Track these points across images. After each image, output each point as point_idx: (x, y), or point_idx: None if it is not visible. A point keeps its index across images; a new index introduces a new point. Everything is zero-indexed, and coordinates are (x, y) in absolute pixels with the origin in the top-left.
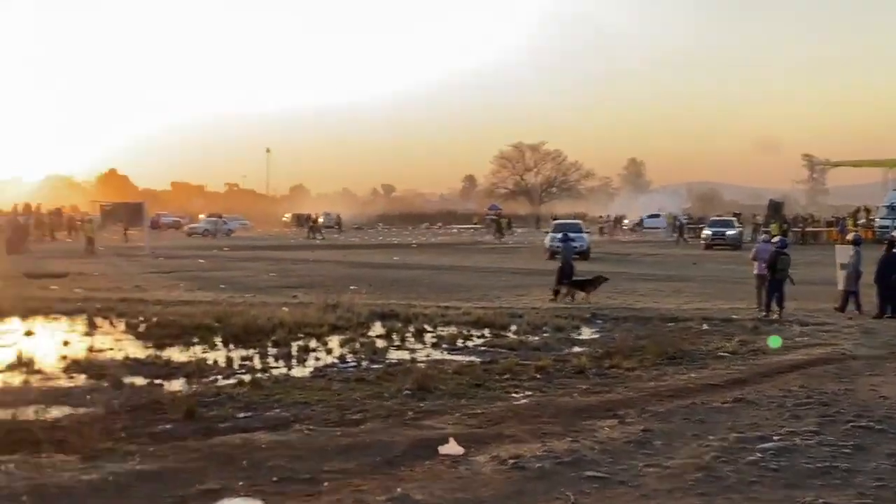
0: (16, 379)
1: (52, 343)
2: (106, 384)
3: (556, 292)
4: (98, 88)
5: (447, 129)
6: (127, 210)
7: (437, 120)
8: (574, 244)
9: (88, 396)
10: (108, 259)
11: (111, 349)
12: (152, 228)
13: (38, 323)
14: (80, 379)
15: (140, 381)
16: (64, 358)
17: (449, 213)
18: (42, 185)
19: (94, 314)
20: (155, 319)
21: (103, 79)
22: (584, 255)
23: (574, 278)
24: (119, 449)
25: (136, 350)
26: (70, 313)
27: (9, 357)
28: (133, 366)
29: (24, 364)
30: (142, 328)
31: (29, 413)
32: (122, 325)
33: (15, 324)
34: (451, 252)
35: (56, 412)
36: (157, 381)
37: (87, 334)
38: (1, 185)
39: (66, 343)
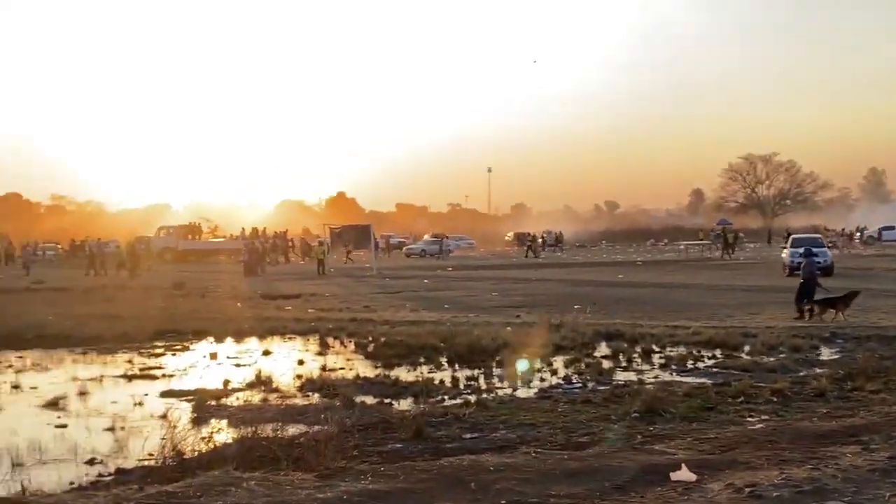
0: (256, 397)
1: (287, 362)
2: (338, 403)
3: (802, 311)
4: (328, 117)
5: (671, 143)
6: (355, 232)
7: (660, 134)
8: (817, 259)
9: (323, 415)
10: (338, 280)
11: (343, 368)
12: (380, 249)
13: (274, 342)
14: (315, 397)
15: (370, 399)
16: (299, 377)
17: (675, 229)
18: (276, 210)
19: (326, 334)
20: (383, 339)
21: (331, 108)
22: (827, 271)
23: (826, 296)
24: (352, 468)
25: (365, 369)
26: (304, 333)
27: (249, 376)
28: (363, 385)
29: (262, 383)
30: (371, 348)
31: (268, 430)
32: (352, 345)
33: (254, 343)
34: (677, 269)
35: (293, 430)
36: (387, 401)
37: (320, 353)
38: (239, 210)
39: (300, 362)
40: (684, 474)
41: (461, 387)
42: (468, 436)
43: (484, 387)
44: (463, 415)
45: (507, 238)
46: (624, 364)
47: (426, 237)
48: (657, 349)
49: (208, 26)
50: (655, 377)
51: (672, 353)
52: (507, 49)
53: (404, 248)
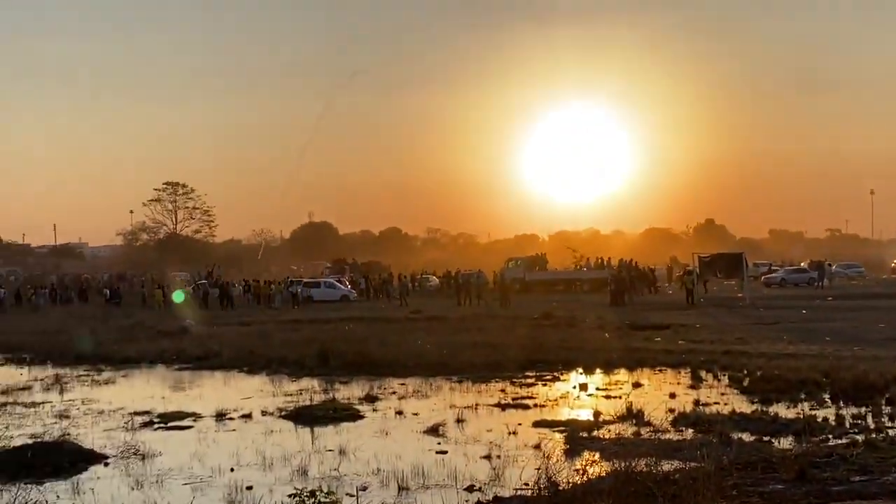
0: (628, 430)
1: (658, 395)
2: (714, 439)
3: None
4: (694, 142)
5: None
6: (725, 260)
7: None
8: None
9: (698, 451)
10: (707, 310)
11: (717, 403)
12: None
13: (644, 374)
14: (689, 432)
15: (747, 436)
16: (671, 411)
17: None
18: (642, 238)
19: (697, 367)
20: (759, 373)
21: (697, 132)
22: None
23: None
24: None
25: (741, 405)
26: (674, 365)
27: (619, 408)
28: (740, 421)
29: (634, 416)
30: (746, 382)
31: (642, 465)
32: (725, 379)
33: (623, 375)
34: None
35: (667, 466)
36: (765, 438)
37: (692, 387)
38: (603, 239)
39: (672, 395)
40: None
41: (847, 425)
42: (857, 478)
43: (872, 426)
44: (850, 455)
45: (893, 265)
46: None
47: (802, 264)
48: None
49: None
50: None
51: None
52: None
53: (762, 278)
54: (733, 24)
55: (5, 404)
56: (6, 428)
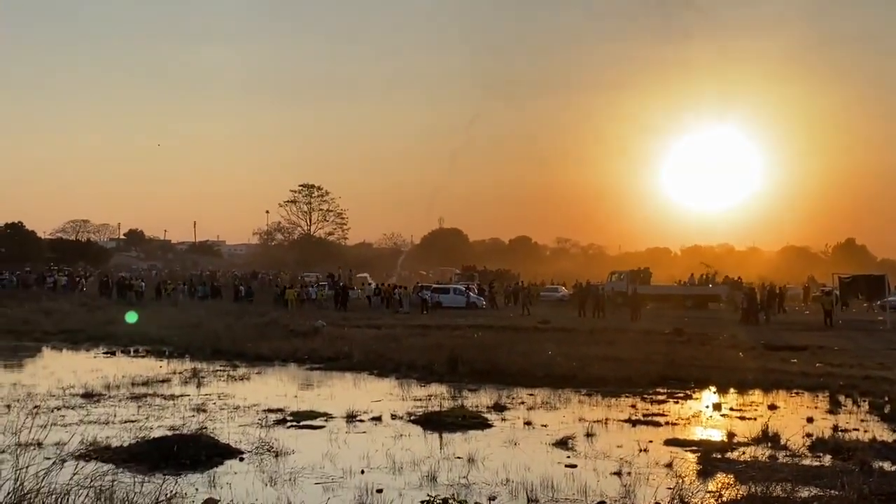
0: (763, 453)
1: (795, 419)
2: (854, 467)
3: None
4: (836, 161)
5: None
6: (867, 282)
7: None
8: None
9: (838, 479)
10: (846, 333)
11: (856, 429)
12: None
13: (779, 397)
14: (827, 459)
15: (889, 466)
16: (808, 435)
17: None
18: (778, 256)
19: (836, 391)
20: None
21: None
22: None
23: None
24: None
25: (882, 432)
26: (812, 389)
27: (754, 430)
28: (881, 449)
29: (769, 439)
30: (887, 409)
31: (778, 490)
32: (865, 405)
33: (757, 396)
34: None
35: (805, 493)
36: None
37: (830, 412)
38: (738, 255)
39: (809, 419)
40: None
41: None
42: None
43: None
44: None
45: None
46: None
47: None
48: None
49: None
50: None
51: None
52: None
53: (878, 302)
54: (871, 37)
55: (146, 395)
56: (146, 419)
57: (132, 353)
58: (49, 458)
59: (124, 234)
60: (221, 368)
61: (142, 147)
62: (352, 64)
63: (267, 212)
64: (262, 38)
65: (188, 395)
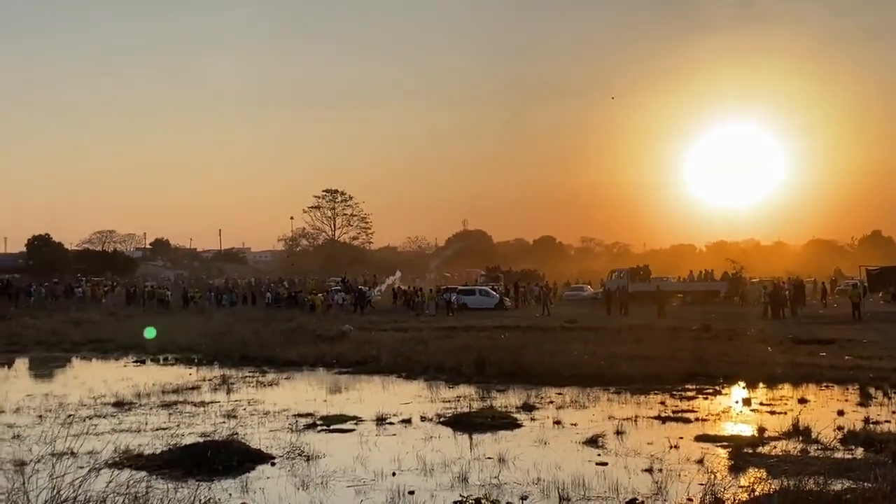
0: (794, 447)
1: (825, 412)
2: (887, 459)
3: None
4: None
5: None
6: (894, 273)
7: None
8: None
9: (872, 472)
10: (875, 325)
11: (888, 422)
12: None
13: (809, 390)
14: (859, 452)
15: None
16: (840, 429)
17: None
18: (805, 248)
19: (866, 383)
20: None
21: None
22: None
23: None
24: None
25: None
26: (841, 382)
27: (785, 424)
28: None
29: (800, 432)
30: None
31: (811, 484)
32: None
33: (787, 390)
34: None
35: (838, 485)
36: None
37: (861, 405)
38: (764, 250)
39: (840, 413)
40: None
41: None
42: None
43: None
44: None
45: None
46: None
47: None
48: None
49: None
50: None
51: None
52: None
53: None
54: None
55: (176, 403)
56: (177, 426)
57: (161, 362)
58: (83, 468)
59: (150, 244)
60: (250, 374)
61: (166, 157)
62: (371, 69)
63: (291, 218)
64: (282, 46)
65: (218, 402)
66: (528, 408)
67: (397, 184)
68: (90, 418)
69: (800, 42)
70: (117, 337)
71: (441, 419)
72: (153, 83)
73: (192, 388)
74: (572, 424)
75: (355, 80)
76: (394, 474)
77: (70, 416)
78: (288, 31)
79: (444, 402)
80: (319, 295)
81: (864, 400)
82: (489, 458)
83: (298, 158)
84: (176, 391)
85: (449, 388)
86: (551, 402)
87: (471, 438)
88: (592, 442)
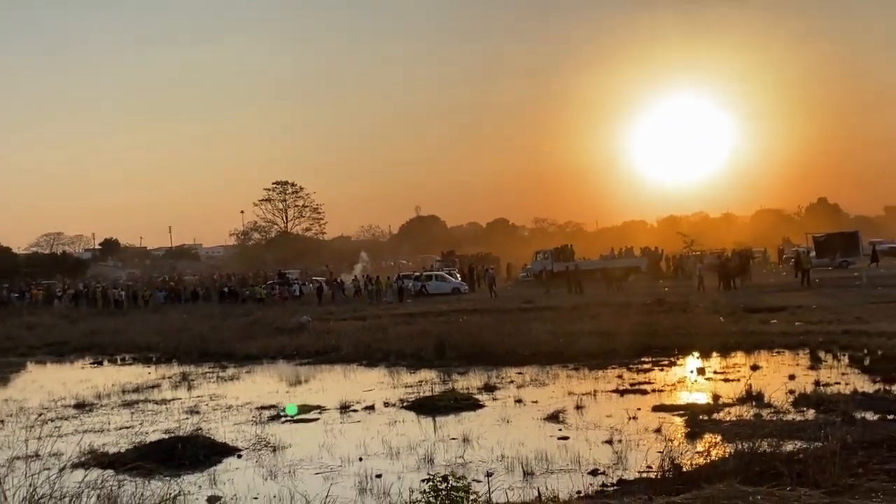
0: (748, 412)
1: (777, 377)
2: (837, 419)
3: None
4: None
5: None
6: (841, 240)
7: None
8: None
9: (822, 431)
10: (823, 290)
11: (837, 383)
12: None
13: (761, 357)
14: (810, 413)
15: (871, 415)
16: (791, 392)
17: None
18: (752, 220)
19: (816, 347)
20: (880, 352)
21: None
22: None
23: None
24: (861, 485)
25: (863, 384)
26: (792, 347)
27: (738, 391)
28: (862, 400)
29: (753, 398)
30: (867, 361)
31: (765, 446)
32: (845, 359)
33: (740, 358)
34: None
35: (791, 446)
36: (890, 417)
37: (812, 368)
38: (713, 222)
39: (791, 377)
40: None
41: None
42: None
43: None
44: None
45: None
46: None
47: None
48: None
49: None
50: None
51: None
52: None
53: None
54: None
55: (137, 402)
56: (141, 424)
57: (119, 362)
58: (50, 469)
59: (99, 245)
60: (210, 370)
61: (111, 155)
62: (318, 58)
63: (242, 212)
64: (228, 39)
65: (180, 399)
66: (489, 388)
67: (349, 173)
68: (52, 421)
69: (743, 15)
70: (72, 339)
71: (404, 404)
72: (96, 79)
73: (153, 387)
74: (533, 402)
75: (302, 70)
76: (360, 459)
77: (32, 419)
78: (234, 23)
79: (406, 387)
80: (259, 287)
81: (815, 363)
82: (453, 438)
83: (248, 152)
84: (136, 390)
85: (410, 373)
86: (512, 381)
87: (434, 421)
88: (553, 418)
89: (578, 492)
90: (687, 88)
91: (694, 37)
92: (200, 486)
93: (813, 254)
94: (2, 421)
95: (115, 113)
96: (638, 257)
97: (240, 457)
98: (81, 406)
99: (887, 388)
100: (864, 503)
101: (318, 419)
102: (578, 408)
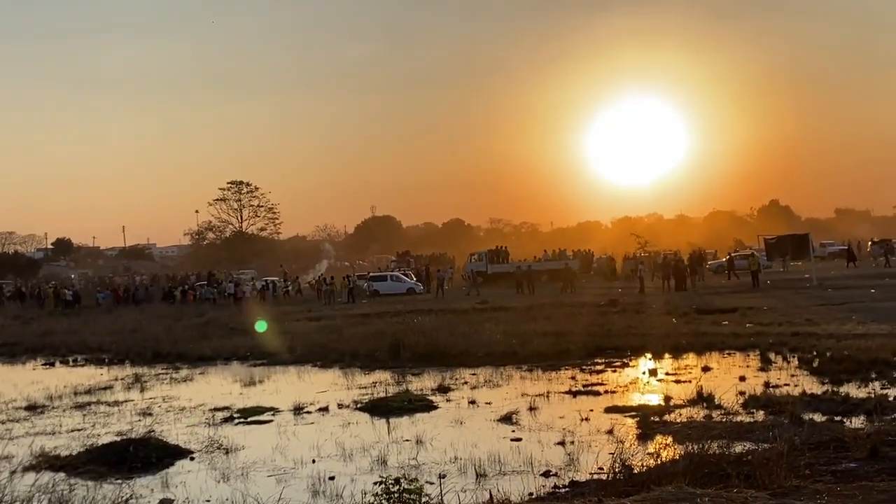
0: (698, 413)
1: (728, 378)
2: (785, 420)
3: None
4: (762, 126)
5: None
6: (792, 242)
7: None
8: None
9: (770, 432)
10: (774, 293)
11: (787, 384)
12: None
13: (713, 358)
14: (760, 414)
15: (819, 417)
16: (741, 393)
17: None
18: (705, 222)
19: (766, 349)
20: (829, 354)
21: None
22: None
23: None
24: (806, 487)
25: (812, 386)
26: (743, 348)
27: (689, 392)
28: (811, 402)
29: (704, 399)
30: (816, 363)
31: (714, 447)
32: (795, 360)
33: (692, 359)
34: None
35: (740, 447)
36: (837, 418)
37: (762, 369)
38: (667, 224)
39: (742, 378)
40: None
41: None
42: None
43: None
44: None
45: None
46: None
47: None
48: None
49: None
50: None
51: None
52: None
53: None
54: (792, 3)
55: (90, 403)
56: (93, 426)
57: (71, 363)
58: (1, 471)
59: (52, 244)
60: (163, 371)
61: (62, 154)
62: (271, 58)
63: (196, 211)
64: (183, 36)
65: (132, 401)
66: (443, 389)
67: (304, 173)
68: (3, 423)
69: (697, 18)
70: (23, 340)
71: (358, 405)
72: (48, 75)
73: (105, 388)
74: (487, 403)
75: (256, 70)
76: (314, 461)
77: None
78: (188, 21)
79: (360, 388)
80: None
81: (765, 365)
82: (407, 440)
83: (202, 151)
84: (88, 392)
85: (365, 374)
86: (466, 382)
87: (388, 423)
88: (507, 419)
89: (531, 493)
90: (641, 91)
91: (648, 39)
92: (153, 489)
93: (764, 256)
94: None
95: (67, 111)
96: (571, 259)
97: (192, 459)
98: (33, 408)
99: (835, 389)
100: None
101: (271, 421)
102: (532, 409)
